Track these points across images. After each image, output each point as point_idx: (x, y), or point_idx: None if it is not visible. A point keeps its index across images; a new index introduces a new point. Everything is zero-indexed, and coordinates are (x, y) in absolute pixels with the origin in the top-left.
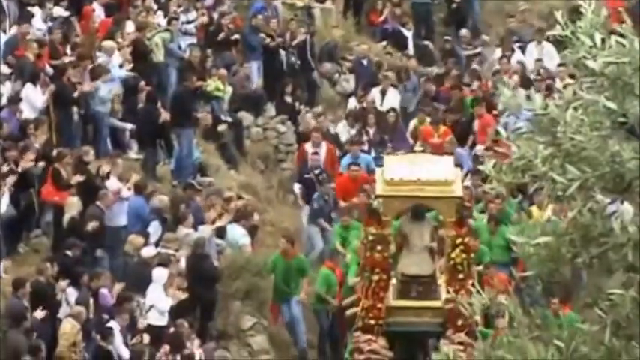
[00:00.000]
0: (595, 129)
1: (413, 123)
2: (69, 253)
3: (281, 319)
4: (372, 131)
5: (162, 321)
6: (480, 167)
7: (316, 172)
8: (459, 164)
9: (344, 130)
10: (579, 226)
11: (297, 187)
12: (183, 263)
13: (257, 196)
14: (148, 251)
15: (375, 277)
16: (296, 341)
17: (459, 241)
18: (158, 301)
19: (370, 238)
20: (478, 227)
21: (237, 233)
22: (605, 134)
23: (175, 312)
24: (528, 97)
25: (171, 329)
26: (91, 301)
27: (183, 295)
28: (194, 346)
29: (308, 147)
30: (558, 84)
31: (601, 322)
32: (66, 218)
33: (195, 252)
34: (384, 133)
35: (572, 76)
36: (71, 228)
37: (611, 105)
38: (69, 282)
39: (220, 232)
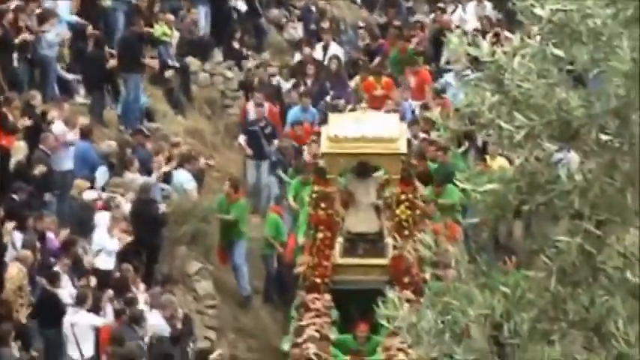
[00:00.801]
0: (542, 76)
1: (355, 81)
2: (15, 196)
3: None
4: (309, 82)
5: (110, 265)
6: (427, 114)
7: (261, 124)
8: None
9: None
10: (526, 173)
11: (242, 139)
12: (128, 208)
13: (203, 141)
14: (90, 194)
15: (320, 235)
16: (239, 287)
17: (403, 197)
18: (105, 244)
19: (314, 195)
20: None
21: (184, 178)
22: (552, 82)
23: (121, 256)
24: (475, 45)
25: (117, 273)
26: (38, 244)
27: (129, 238)
28: (139, 291)
29: (250, 107)
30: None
31: (547, 269)
32: (12, 162)
33: (141, 197)
34: (324, 82)
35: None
36: (17, 172)
37: (559, 52)
38: (15, 226)
39: (166, 177)
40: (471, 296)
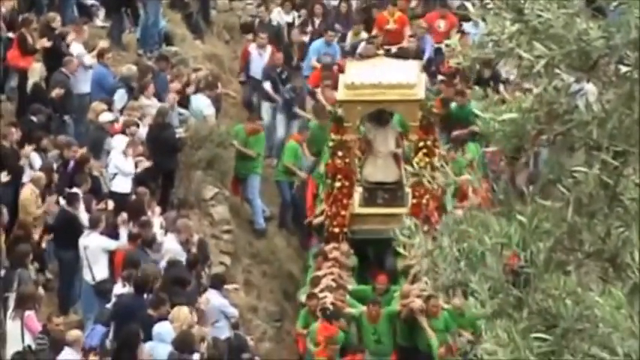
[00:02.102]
0: (563, 6)
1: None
2: (34, 118)
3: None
4: (317, 21)
5: (126, 188)
6: (447, 42)
7: (279, 69)
8: (422, 49)
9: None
10: (544, 103)
11: (267, 85)
12: (145, 132)
13: (222, 66)
14: (106, 117)
15: (337, 184)
16: (254, 222)
17: (421, 144)
18: (122, 167)
19: (331, 144)
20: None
21: (202, 103)
22: (572, 12)
23: (137, 180)
24: None
25: (133, 197)
26: (55, 167)
27: (146, 162)
28: (155, 215)
29: (252, 48)
30: None
31: (564, 199)
32: (30, 83)
33: (157, 121)
34: (333, 23)
35: None
36: (34, 93)
37: None
38: (33, 148)
39: (185, 102)
40: (487, 224)
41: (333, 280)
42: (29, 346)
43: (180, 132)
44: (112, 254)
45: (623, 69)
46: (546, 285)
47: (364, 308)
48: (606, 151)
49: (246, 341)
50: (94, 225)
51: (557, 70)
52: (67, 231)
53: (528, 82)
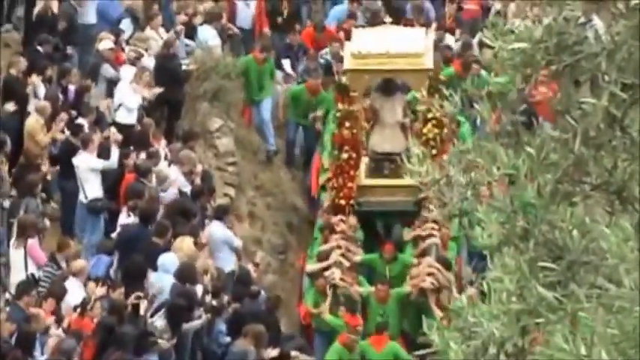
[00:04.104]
0: None
1: None
2: (40, 48)
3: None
4: None
5: (131, 119)
6: None
7: (295, 48)
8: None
9: None
10: (554, 33)
11: (287, 64)
12: (151, 63)
13: None
14: (105, 44)
15: (344, 156)
16: (265, 142)
17: (430, 115)
18: (126, 98)
19: (338, 114)
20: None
21: (208, 35)
22: None
23: (143, 111)
24: None
25: (138, 127)
26: (60, 96)
27: (158, 90)
28: (160, 145)
29: (240, 3)
30: None
31: (571, 131)
32: (35, 12)
33: (163, 52)
34: None
35: None
36: (40, 22)
37: None
38: (39, 77)
39: (191, 34)
40: (495, 155)
41: (342, 254)
42: (32, 275)
43: (186, 63)
44: (118, 179)
45: (634, 1)
46: (553, 216)
47: (372, 288)
48: (614, 84)
49: (250, 273)
50: (85, 145)
51: (567, 0)
52: (70, 161)
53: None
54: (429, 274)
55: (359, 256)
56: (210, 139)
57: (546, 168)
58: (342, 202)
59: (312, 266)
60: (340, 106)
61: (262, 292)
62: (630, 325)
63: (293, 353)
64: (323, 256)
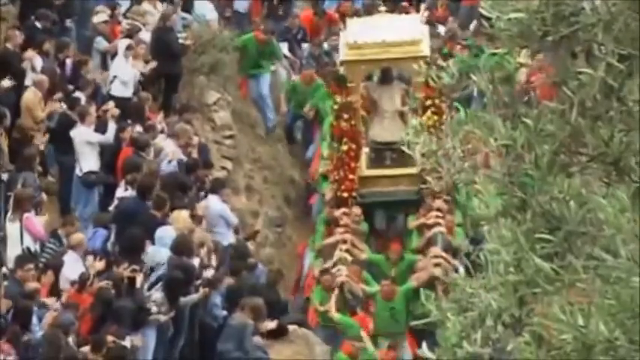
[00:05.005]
0: None
1: None
2: (38, 23)
3: (248, 94)
4: None
5: (127, 92)
6: None
7: (294, 31)
8: None
9: None
10: (550, 4)
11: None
12: (148, 36)
13: None
14: (99, 17)
15: (344, 147)
16: (263, 117)
17: (429, 102)
18: (121, 71)
19: (336, 106)
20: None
21: (205, 8)
22: None
23: (140, 85)
24: None
25: (134, 100)
26: (57, 70)
27: (154, 63)
28: (157, 119)
29: None
30: None
31: (568, 102)
32: None
33: (160, 25)
34: None
35: None
36: None
37: None
38: (35, 51)
39: (187, 6)
40: (491, 125)
41: (347, 250)
42: (28, 248)
43: (183, 37)
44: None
45: None
46: (550, 188)
47: (377, 288)
48: (611, 54)
49: (247, 246)
50: (82, 118)
51: None
52: (67, 135)
53: None
54: (437, 265)
55: (364, 253)
56: (208, 112)
57: (543, 139)
58: (345, 194)
59: (317, 266)
60: (338, 97)
61: (260, 265)
62: (627, 296)
63: (291, 327)
64: (327, 252)
